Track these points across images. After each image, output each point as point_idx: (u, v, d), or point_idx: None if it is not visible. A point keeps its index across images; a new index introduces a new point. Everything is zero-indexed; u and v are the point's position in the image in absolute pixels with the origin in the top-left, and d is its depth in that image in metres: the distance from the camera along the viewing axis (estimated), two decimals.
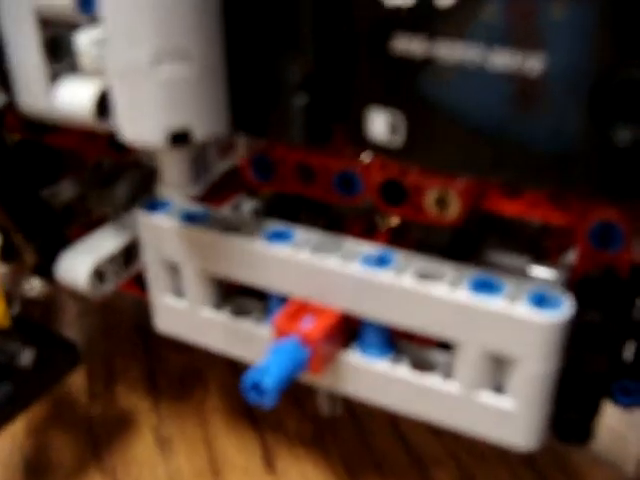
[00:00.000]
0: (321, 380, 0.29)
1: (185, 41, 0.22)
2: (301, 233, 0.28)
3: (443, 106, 0.22)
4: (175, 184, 0.26)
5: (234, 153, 0.29)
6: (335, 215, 0.34)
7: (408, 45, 0.21)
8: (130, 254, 0.35)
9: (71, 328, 0.52)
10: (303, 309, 0.28)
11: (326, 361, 0.28)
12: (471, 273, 0.26)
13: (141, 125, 0.24)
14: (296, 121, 0.24)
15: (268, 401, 0.25)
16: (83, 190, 0.39)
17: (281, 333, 0.27)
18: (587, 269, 0.27)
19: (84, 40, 0.27)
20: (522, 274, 0.30)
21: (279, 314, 0.27)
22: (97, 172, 0.40)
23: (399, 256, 0.27)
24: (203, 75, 0.23)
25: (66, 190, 0.38)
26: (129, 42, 0.23)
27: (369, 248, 0.27)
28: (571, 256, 0.30)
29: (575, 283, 0.27)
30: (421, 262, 0.26)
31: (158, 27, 0.22)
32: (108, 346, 0.50)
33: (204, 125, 0.24)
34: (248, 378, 0.25)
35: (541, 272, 0.31)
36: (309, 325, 0.27)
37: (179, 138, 0.24)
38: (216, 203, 0.32)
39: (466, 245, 0.31)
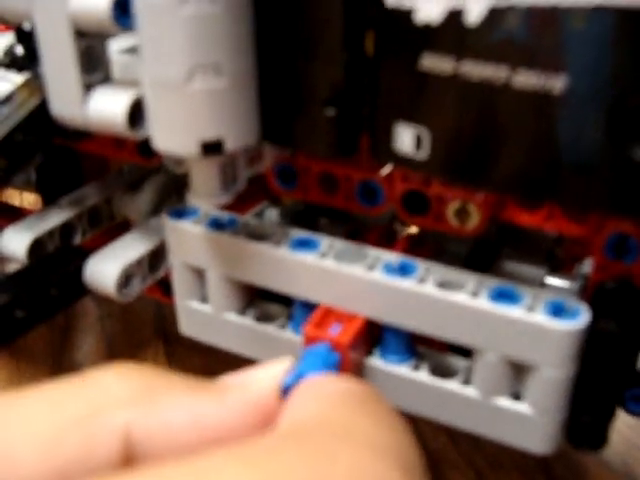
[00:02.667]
0: None
1: (219, 56, 0.23)
2: (326, 241, 0.29)
3: (467, 122, 0.23)
4: (204, 193, 0.27)
5: (261, 163, 0.29)
6: (356, 224, 0.34)
7: (436, 62, 0.22)
8: (156, 259, 0.36)
9: (92, 331, 0.53)
10: (331, 316, 0.28)
11: (354, 368, 0.28)
12: (491, 282, 0.27)
13: (174, 135, 0.25)
14: (324, 133, 0.25)
15: None
16: (108, 195, 0.39)
17: (311, 339, 0.27)
18: (602, 279, 0.28)
19: (118, 51, 0.28)
20: (538, 284, 0.31)
21: (308, 321, 0.28)
22: (121, 177, 0.41)
23: (421, 265, 0.28)
24: (235, 88, 0.24)
25: (91, 195, 0.39)
26: (164, 56, 0.23)
27: (392, 257, 0.28)
28: (585, 267, 0.31)
29: (590, 293, 0.28)
30: (442, 271, 0.27)
31: (193, 42, 0.23)
32: (129, 349, 0.51)
33: (236, 135, 0.25)
34: (285, 382, 0.25)
35: (556, 282, 0.31)
36: (338, 331, 0.27)
37: (212, 148, 0.24)
38: (240, 210, 0.33)
39: (484, 255, 0.32)
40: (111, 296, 0.34)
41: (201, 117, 0.24)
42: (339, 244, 0.29)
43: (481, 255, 0.32)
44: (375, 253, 0.28)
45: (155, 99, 0.25)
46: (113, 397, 0.18)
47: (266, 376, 0.21)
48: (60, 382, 0.18)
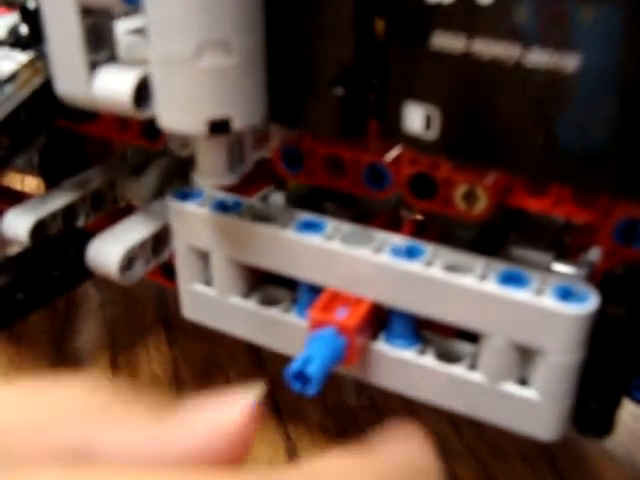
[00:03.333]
0: (349, 370, 0.30)
1: (227, 32, 0.23)
2: (332, 223, 0.29)
3: (478, 102, 0.23)
4: (211, 173, 0.27)
5: (268, 145, 0.29)
6: (361, 209, 0.34)
7: (447, 41, 0.22)
8: (159, 242, 0.35)
9: (93, 318, 0.52)
10: (337, 300, 0.28)
11: (360, 352, 0.28)
12: (499, 266, 0.26)
13: (181, 113, 0.25)
14: (332, 113, 0.25)
15: (312, 389, 0.25)
16: (112, 178, 0.39)
17: (317, 324, 0.27)
18: (611, 265, 0.28)
19: (124, 29, 0.28)
20: (545, 270, 0.31)
21: (314, 305, 0.28)
22: (124, 161, 0.41)
23: (429, 248, 0.27)
24: (243, 66, 0.24)
25: (94, 178, 0.39)
26: (172, 33, 0.23)
27: (399, 239, 0.28)
28: (592, 254, 0.31)
29: (598, 280, 0.28)
30: (450, 254, 0.27)
31: (201, 19, 0.23)
32: (131, 336, 0.51)
33: (243, 115, 0.25)
34: (291, 367, 0.25)
35: (563, 269, 0.31)
36: (344, 315, 0.27)
37: (219, 127, 0.24)
38: (245, 194, 0.33)
39: (491, 241, 0.32)
40: (113, 278, 0.33)
41: (208, 95, 0.24)
42: (345, 226, 0.29)
43: (487, 241, 0.32)
44: (382, 236, 0.28)
45: (162, 76, 0.24)
46: (78, 406, 0.18)
47: (236, 401, 0.21)
48: (28, 382, 0.19)
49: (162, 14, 0.23)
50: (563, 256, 0.32)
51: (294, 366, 0.25)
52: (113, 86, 0.27)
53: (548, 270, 0.31)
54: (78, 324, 0.52)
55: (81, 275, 0.36)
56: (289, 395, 0.24)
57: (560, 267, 0.31)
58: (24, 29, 0.34)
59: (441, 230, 0.32)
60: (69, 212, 0.37)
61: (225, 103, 0.24)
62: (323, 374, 0.26)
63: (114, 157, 0.41)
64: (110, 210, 0.40)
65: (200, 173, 0.27)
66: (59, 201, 0.36)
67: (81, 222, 0.38)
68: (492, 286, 0.25)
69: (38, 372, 0.47)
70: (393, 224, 0.33)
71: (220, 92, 0.24)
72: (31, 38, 0.33)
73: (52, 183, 0.40)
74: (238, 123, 0.24)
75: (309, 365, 0.25)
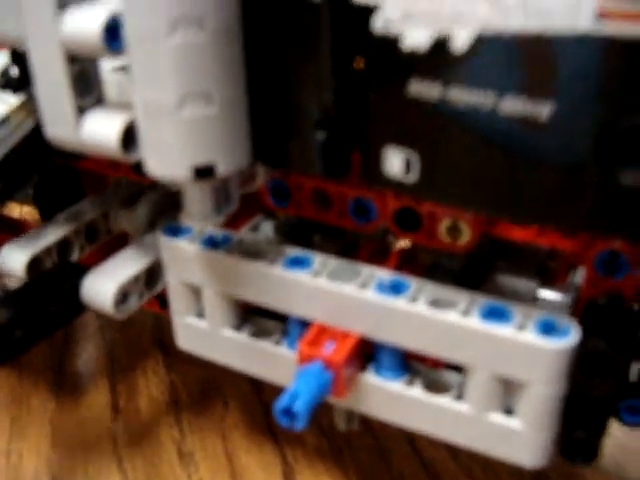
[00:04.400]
0: (340, 400, 0.30)
1: (209, 84, 0.23)
2: (319, 259, 0.29)
3: (455, 146, 0.23)
4: (197, 215, 0.27)
5: (255, 182, 0.30)
6: (350, 237, 0.35)
7: (423, 88, 0.22)
8: (152, 275, 0.36)
9: (92, 341, 0.53)
10: (325, 334, 0.29)
11: (348, 384, 0.29)
12: (482, 301, 0.27)
13: (166, 160, 0.25)
14: (315, 156, 0.26)
15: (299, 425, 0.26)
16: (105, 210, 0.40)
17: (305, 358, 0.28)
18: (593, 295, 0.28)
19: (110, 70, 0.29)
20: (531, 297, 0.31)
21: (302, 339, 0.28)
22: (118, 192, 0.41)
23: (413, 283, 0.28)
24: (226, 114, 0.24)
25: (88, 210, 0.39)
26: (154, 84, 0.24)
27: (385, 274, 0.28)
28: (579, 277, 0.31)
29: (582, 306, 0.28)
30: (434, 289, 0.28)
31: (182, 71, 0.23)
32: (129, 361, 0.51)
33: (227, 159, 0.25)
34: (279, 403, 0.26)
35: (549, 295, 0.31)
36: (331, 350, 0.28)
37: (203, 173, 0.25)
38: (235, 225, 0.34)
39: (477, 269, 0.32)
40: (108, 313, 0.34)
41: (192, 143, 0.24)
42: (332, 262, 0.29)
43: (474, 269, 0.32)
44: (368, 271, 0.29)
45: (147, 125, 0.25)
46: None
47: None
48: None
49: (145, 66, 0.24)
50: (549, 282, 0.32)
51: (281, 402, 0.26)
52: (101, 131, 0.27)
53: (534, 297, 0.31)
54: (78, 348, 0.52)
55: (78, 309, 0.36)
56: None
57: (546, 294, 0.31)
58: (15, 71, 0.34)
59: (428, 258, 0.33)
60: (64, 246, 0.37)
61: (209, 150, 0.24)
62: (310, 409, 0.26)
63: (108, 188, 0.42)
64: (105, 241, 0.40)
65: (187, 215, 0.28)
66: (53, 235, 0.37)
67: (75, 255, 0.38)
68: (475, 321, 0.26)
69: (39, 397, 0.48)
70: (381, 252, 0.34)
71: (203, 140, 0.24)
72: (22, 80, 0.33)
73: (48, 213, 0.41)
74: (222, 168, 0.25)
75: (296, 401, 0.26)
